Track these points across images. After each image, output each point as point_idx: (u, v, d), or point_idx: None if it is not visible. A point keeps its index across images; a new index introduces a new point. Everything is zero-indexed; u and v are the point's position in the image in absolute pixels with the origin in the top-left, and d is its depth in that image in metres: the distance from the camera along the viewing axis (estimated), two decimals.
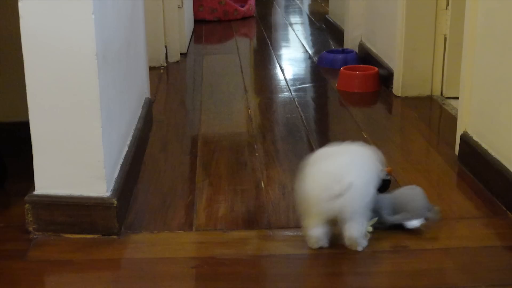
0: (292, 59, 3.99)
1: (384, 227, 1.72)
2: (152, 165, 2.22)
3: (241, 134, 2.57)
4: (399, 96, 2.99)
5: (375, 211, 1.73)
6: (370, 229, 1.68)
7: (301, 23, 5.36)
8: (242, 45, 4.40)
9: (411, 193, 1.75)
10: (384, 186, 1.77)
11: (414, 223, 1.71)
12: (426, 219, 1.72)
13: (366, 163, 1.63)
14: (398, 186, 1.98)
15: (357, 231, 1.58)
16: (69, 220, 1.70)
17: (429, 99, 2.94)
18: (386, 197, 1.76)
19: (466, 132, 2.17)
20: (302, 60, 3.93)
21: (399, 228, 1.72)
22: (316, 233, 1.61)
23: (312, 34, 4.83)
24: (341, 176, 1.54)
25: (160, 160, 2.28)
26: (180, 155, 2.34)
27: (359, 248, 1.62)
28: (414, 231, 1.70)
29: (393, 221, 1.72)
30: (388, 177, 1.80)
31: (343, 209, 1.54)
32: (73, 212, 1.70)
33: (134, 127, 2.20)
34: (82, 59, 1.60)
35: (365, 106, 2.99)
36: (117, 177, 1.80)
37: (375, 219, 1.70)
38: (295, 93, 3.12)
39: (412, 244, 1.67)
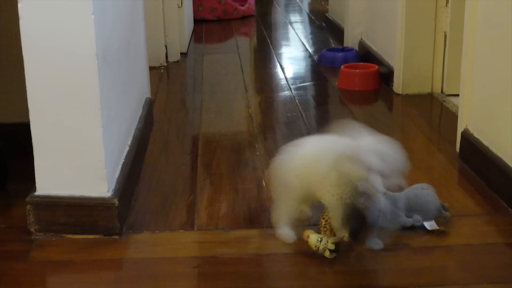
0: (292, 58, 3.98)
1: (400, 228, 1.71)
2: (153, 165, 2.22)
3: (242, 133, 2.57)
4: (399, 94, 2.99)
5: (392, 211, 1.72)
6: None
7: (301, 22, 5.36)
8: (242, 44, 4.40)
9: (425, 194, 1.73)
10: None
11: (433, 224, 1.70)
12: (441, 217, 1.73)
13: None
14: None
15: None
16: (70, 220, 1.70)
17: (430, 96, 2.94)
18: (402, 197, 1.74)
19: (467, 129, 2.17)
20: (302, 59, 3.93)
21: (407, 227, 1.72)
22: (287, 230, 1.68)
23: (312, 33, 4.83)
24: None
25: (161, 160, 2.28)
26: (181, 154, 2.34)
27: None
28: (414, 229, 1.70)
29: (410, 224, 1.71)
30: None
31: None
32: (74, 213, 1.70)
33: (134, 127, 2.20)
34: (82, 59, 1.60)
35: (366, 104, 2.99)
36: (118, 177, 1.80)
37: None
38: (295, 92, 3.12)
39: (414, 242, 1.67)
